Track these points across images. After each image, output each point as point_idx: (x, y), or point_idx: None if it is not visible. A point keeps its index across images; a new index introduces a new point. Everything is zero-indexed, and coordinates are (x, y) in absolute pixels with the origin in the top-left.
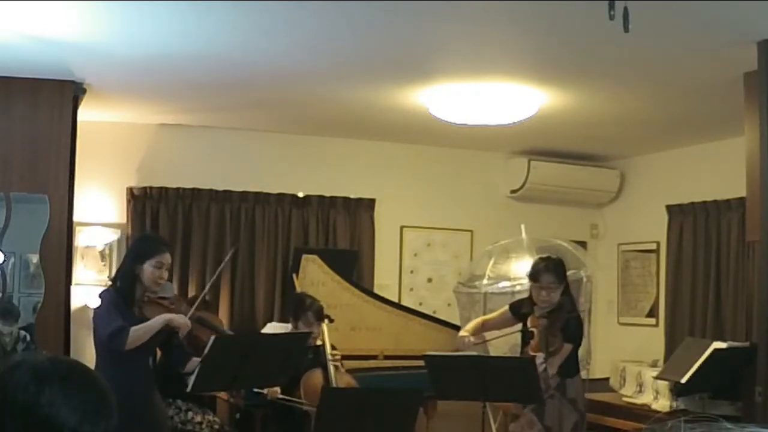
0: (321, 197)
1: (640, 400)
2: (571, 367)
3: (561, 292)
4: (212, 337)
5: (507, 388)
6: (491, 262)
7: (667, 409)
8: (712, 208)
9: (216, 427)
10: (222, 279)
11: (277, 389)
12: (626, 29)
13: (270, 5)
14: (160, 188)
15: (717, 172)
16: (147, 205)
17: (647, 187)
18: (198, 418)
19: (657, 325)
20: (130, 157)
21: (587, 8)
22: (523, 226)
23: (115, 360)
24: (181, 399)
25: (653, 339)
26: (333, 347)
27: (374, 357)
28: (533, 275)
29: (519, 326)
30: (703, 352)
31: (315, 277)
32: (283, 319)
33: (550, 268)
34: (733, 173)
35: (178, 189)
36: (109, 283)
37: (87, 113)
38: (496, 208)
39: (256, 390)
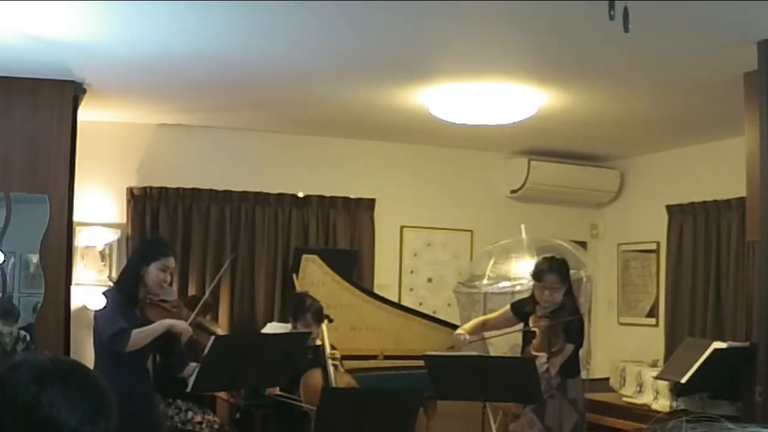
0: (321, 197)
1: (640, 400)
2: (572, 367)
3: (564, 293)
4: (212, 337)
5: (507, 388)
6: (491, 262)
7: (667, 409)
8: (712, 208)
9: (216, 427)
10: (222, 279)
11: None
12: (626, 29)
13: (270, 5)
14: (160, 188)
15: (717, 172)
16: (147, 205)
17: (647, 187)
18: (198, 418)
19: (657, 325)
20: (130, 157)
21: (587, 8)
22: (523, 226)
23: (115, 361)
24: (181, 399)
25: (653, 339)
26: (333, 347)
27: (374, 357)
28: (536, 275)
29: (517, 326)
30: (703, 352)
31: (315, 277)
32: (283, 319)
33: (553, 268)
34: (733, 173)
35: (178, 189)
36: (110, 283)
37: (87, 113)
38: (496, 208)
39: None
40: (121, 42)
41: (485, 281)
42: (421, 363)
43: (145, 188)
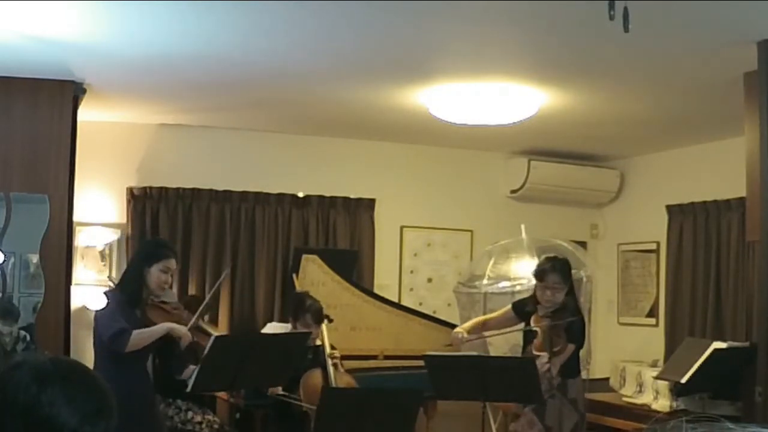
0: (321, 197)
1: (640, 400)
2: (572, 367)
3: (566, 293)
4: (212, 337)
5: (507, 388)
6: (491, 262)
7: (667, 409)
8: (712, 208)
9: (216, 427)
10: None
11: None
12: (626, 29)
13: (270, 5)
14: (160, 188)
15: (717, 172)
16: (147, 205)
17: (647, 187)
18: (198, 418)
19: (657, 325)
20: (130, 157)
21: (587, 8)
22: (523, 226)
23: (115, 361)
24: (181, 399)
25: (653, 339)
26: (333, 347)
27: (374, 357)
28: (539, 275)
29: (518, 325)
30: (703, 352)
31: (315, 277)
32: (283, 319)
33: (556, 268)
34: (733, 173)
35: (178, 189)
36: (111, 283)
37: (87, 113)
38: (496, 208)
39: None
40: (121, 42)
41: (485, 281)
42: (421, 363)
43: (145, 188)
